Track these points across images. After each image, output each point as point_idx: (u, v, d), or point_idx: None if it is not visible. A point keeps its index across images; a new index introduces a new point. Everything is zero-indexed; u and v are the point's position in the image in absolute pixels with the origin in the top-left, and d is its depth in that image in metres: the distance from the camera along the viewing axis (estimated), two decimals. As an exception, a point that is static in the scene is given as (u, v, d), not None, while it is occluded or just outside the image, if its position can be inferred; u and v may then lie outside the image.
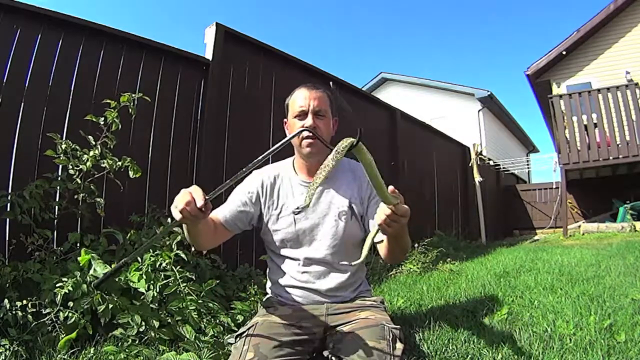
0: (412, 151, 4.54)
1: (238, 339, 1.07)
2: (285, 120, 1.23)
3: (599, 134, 5.58)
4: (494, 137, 11.25)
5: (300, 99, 1.15)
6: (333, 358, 1.00)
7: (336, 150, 0.74)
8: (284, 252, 1.20)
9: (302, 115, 1.13)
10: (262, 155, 0.93)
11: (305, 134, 1.11)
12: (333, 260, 1.17)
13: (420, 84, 11.52)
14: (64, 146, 1.61)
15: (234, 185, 1.22)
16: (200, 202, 0.84)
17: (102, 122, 1.69)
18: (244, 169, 0.91)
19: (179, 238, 1.67)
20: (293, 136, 1.06)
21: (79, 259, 1.39)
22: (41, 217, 1.55)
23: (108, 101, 1.71)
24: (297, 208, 1.18)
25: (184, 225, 1.01)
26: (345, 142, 0.74)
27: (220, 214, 1.19)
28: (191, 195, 0.85)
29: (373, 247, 1.07)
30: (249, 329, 1.07)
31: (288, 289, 1.19)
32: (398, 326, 1.08)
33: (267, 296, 1.27)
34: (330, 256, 1.16)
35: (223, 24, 2.46)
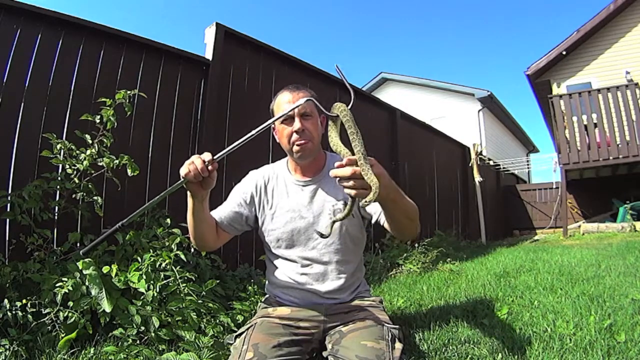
0: (412, 151, 4.54)
1: (237, 339, 1.08)
2: (273, 125, 1.21)
3: (599, 134, 5.58)
4: (494, 137, 11.25)
5: (285, 103, 1.12)
6: (332, 358, 0.99)
7: (347, 117, 0.88)
8: (280, 252, 1.19)
9: (289, 119, 1.11)
10: (250, 134, 0.95)
11: (294, 138, 1.10)
12: (331, 260, 1.16)
13: (420, 84, 11.52)
14: (60, 146, 1.61)
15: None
16: (207, 158, 0.92)
17: (97, 121, 1.69)
18: (248, 134, 0.95)
19: (178, 239, 1.68)
20: (281, 116, 1.04)
21: (78, 264, 1.39)
22: (41, 217, 1.55)
23: (104, 99, 1.71)
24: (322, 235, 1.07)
25: (189, 207, 1.03)
26: (342, 107, 0.89)
27: (216, 215, 1.19)
28: (199, 156, 0.93)
29: (381, 229, 1.03)
30: (248, 329, 1.08)
31: (286, 291, 1.19)
32: (397, 326, 1.08)
33: (266, 296, 1.27)
34: (327, 255, 1.15)
35: (223, 24, 2.46)
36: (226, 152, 0.94)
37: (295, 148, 1.11)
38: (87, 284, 1.36)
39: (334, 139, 0.91)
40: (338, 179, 0.80)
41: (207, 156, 0.92)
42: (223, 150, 0.94)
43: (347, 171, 0.79)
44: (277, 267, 1.21)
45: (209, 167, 0.92)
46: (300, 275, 1.16)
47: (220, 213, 1.20)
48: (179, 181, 0.94)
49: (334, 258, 1.16)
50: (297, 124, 1.09)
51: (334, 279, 1.16)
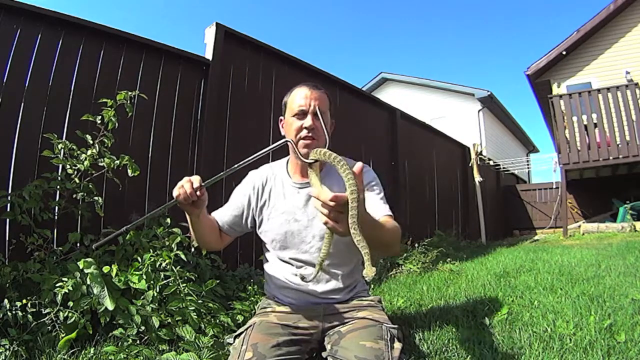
0: (412, 151, 4.54)
1: (236, 339, 1.08)
2: (281, 118, 1.20)
3: (599, 134, 5.58)
4: (494, 137, 11.25)
5: (301, 98, 1.11)
6: (331, 359, 0.99)
7: (340, 163, 0.81)
8: (275, 253, 1.20)
9: (302, 115, 1.10)
10: (252, 157, 0.99)
11: (303, 134, 1.09)
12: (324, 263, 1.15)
13: (420, 84, 11.52)
14: (60, 146, 1.61)
15: (225, 182, 1.22)
16: (196, 184, 0.94)
17: (99, 121, 1.69)
18: (235, 166, 0.99)
19: (178, 239, 1.68)
20: (282, 143, 1.04)
21: (79, 264, 1.39)
22: (41, 217, 1.55)
23: (105, 100, 1.71)
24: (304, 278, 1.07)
25: (188, 219, 1.07)
26: (328, 153, 0.86)
27: (217, 218, 1.21)
28: (189, 180, 0.95)
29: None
30: (247, 329, 1.07)
31: (284, 291, 1.18)
32: (396, 325, 1.08)
33: (265, 296, 1.27)
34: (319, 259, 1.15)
35: (223, 24, 2.46)
36: (216, 180, 0.97)
37: (301, 143, 1.10)
38: (88, 283, 1.36)
39: (316, 182, 0.91)
40: (320, 203, 0.76)
41: (196, 181, 0.94)
42: (212, 178, 0.97)
43: (331, 202, 0.75)
44: (274, 268, 1.21)
45: (197, 193, 0.94)
46: (295, 277, 1.16)
47: (221, 216, 1.22)
48: (171, 201, 0.97)
49: (326, 261, 1.13)
50: (308, 121, 1.09)
51: (328, 280, 1.16)
